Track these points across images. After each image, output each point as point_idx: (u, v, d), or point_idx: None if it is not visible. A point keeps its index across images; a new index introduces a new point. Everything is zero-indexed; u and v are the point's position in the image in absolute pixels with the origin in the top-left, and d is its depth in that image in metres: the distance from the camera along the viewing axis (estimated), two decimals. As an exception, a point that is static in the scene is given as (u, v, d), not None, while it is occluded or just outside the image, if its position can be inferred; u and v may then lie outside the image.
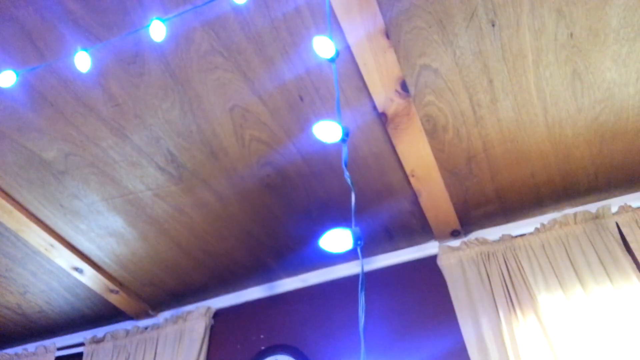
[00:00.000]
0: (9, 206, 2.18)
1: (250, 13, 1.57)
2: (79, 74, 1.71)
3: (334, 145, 2.00)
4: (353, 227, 0.89)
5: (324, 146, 1.99)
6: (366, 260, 2.52)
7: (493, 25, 1.60)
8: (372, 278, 2.47)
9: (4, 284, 2.67)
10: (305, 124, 1.91)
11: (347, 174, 0.99)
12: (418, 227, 2.35)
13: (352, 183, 1.00)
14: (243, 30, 1.62)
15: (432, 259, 2.35)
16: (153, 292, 2.73)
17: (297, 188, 2.15)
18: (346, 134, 1.02)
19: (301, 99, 1.82)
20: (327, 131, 1.06)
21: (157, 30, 1.32)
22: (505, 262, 2.10)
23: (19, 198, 2.19)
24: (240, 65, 1.72)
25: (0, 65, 1.68)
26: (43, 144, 1.96)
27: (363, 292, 0.88)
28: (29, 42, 1.63)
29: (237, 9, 1.56)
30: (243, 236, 2.39)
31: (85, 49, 1.39)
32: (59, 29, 1.59)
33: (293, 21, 1.60)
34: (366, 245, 2.46)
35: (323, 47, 1.09)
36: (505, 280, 2.05)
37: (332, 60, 1.10)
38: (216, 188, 2.16)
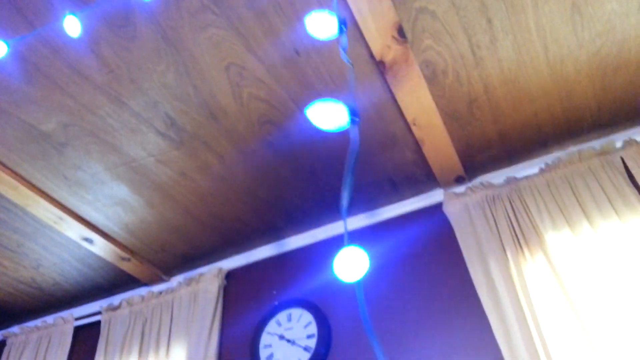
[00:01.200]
0: (13, 181, 2.19)
1: (239, -35, 1.53)
2: (71, 41, 1.67)
3: (331, 96, 1.97)
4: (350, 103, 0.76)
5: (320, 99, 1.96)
6: (371, 213, 2.53)
7: (489, -39, 1.55)
8: (379, 230, 2.50)
9: (17, 259, 2.71)
10: (303, 79, 1.89)
11: (344, 54, 0.92)
12: (422, 176, 2.36)
13: (350, 62, 0.94)
14: (233, -16, 1.58)
15: (438, 207, 2.36)
16: (164, 257, 2.77)
17: (299, 145, 2.14)
18: (343, 23, 0.95)
19: (297, 52, 1.79)
20: (321, 24, 0.99)
21: (145, -11, 1.29)
22: (511, 204, 2.11)
23: (22, 173, 2.19)
24: (232, 21, 1.68)
25: (-11, 38, 1.65)
26: (41, 116, 1.94)
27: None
28: (16, 11, 1.59)
29: (225, -38, 1.51)
30: (249, 196, 2.40)
31: (73, 13, 1.36)
32: (45, -4, 1.55)
33: (283, -29, 1.55)
34: (371, 197, 2.47)
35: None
36: (511, 222, 2.06)
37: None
38: (218, 150, 2.15)
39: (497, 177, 2.30)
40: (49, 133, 2.01)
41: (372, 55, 1.80)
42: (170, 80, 1.85)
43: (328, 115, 0.74)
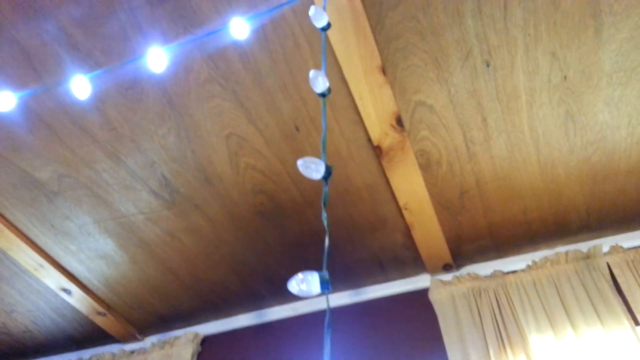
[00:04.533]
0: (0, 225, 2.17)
1: (250, 45, 1.60)
2: (76, 98, 1.71)
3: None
4: (323, 270, 0.86)
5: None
6: (356, 290, 2.50)
7: (488, 66, 1.63)
8: (363, 309, 2.46)
9: (-10, 302, 2.64)
10: (300, 154, 1.92)
11: (324, 214, 0.96)
12: (410, 260, 2.35)
13: (327, 225, 0.97)
14: (242, 61, 1.64)
15: (424, 292, 2.34)
16: (141, 315, 2.70)
17: (290, 217, 2.15)
18: (328, 173, 1.01)
19: (297, 129, 1.84)
20: (311, 167, 1.05)
21: (157, 60, 1.34)
22: (496, 299, 2.09)
23: (10, 217, 2.18)
24: (238, 94, 1.74)
25: (3, 88, 1.69)
26: (37, 164, 1.96)
27: (329, 336, 0.86)
28: (28, 64, 1.64)
29: (237, 41, 1.58)
30: (234, 262, 2.38)
31: (84, 74, 1.40)
32: (58, 53, 1.61)
33: (291, 54, 1.62)
34: (357, 275, 2.45)
35: (317, 80, 1.10)
36: (496, 318, 2.03)
37: (322, 95, 1.11)
38: (209, 214, 2.16)
39: (484, 268, 2.29)
40: (42, 181, 2.02)
41: (369, 140, 1.84)
42: (170, 143, 1.88)
43: (306, 284, 0.84)
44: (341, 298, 2.52)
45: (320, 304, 2.55)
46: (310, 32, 1.57)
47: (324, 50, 1.07)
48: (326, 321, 0.73)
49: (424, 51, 1.59)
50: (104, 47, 1.58)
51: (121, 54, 1.60)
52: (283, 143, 1.89)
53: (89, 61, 1.62)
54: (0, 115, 1.77)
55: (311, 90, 1.72)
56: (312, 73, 1.03)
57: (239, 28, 1.36)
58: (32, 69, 1.65)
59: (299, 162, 0.97)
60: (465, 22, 1.54)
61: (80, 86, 1.40)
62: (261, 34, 1.57)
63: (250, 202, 2.10)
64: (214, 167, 1.97)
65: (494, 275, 2.19)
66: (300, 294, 0.81)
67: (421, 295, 2.34)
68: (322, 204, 0.88)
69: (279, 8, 1.41)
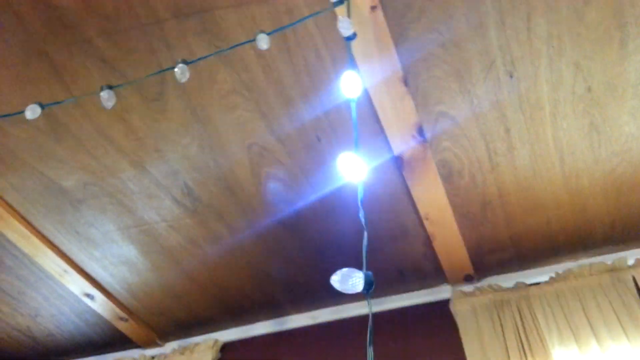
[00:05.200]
0: (25, 231, 2.21)
1: (273, 56, 1.61)
2: (102, 108, 1.74)
3: (349, 185, 2.01)
4: (365, 270, 0.88)
5: (339, 186, 2.00)
6: (376, 300, 2.50)
7: (511, 77, 1.62)
8: (382, 319, 2.45)
9: (16, 306, 2.69)
10: (321, 164, 1.93)
11: (362, 212, 0.98)
12: (430, 270, 2.34)
13: (365, 223, 0.99)
14: (264, 72, 1.66)
15: (444, 303, 2.32)
16: (162, 321, 2.73)
17: (311, 226, 2.16)
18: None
19: (318, 139, 1.85)
20: (348, 166, 1.07)
21: (183, 72, 1.36)
22: (519, 311, 2.06)
23: (36, 224, 2.22)
24: (260, 105, 1.75)
25: (27, 98, 1.73)
26: (63, 173, 1.99)
27: (371, 347, 0.87)
28: (57, 76, 1.68)
29: (260, 52, 1.60)
30: (254, 270, 2.40)
31: (110, 86, 1.43)
32: (86, 66, 1.64)
33: (313, 65, 1.63)
34: (377, 286, 2.44)
35: (349, 84, 1.11)
36: (518, 331, 2.01)
37: (352, 100, 1.12)
38: (230, 222, 2.18)
39: (506, 280, 2.27)
40: (68, 189, 2.06)
41: (391, 150, 1.84)
42: (193, 152, 1.91)
43: (348, 282, 0.87)
44: (361, 307, 2.52)
45: (339, 314, 2.55)
46: (332, 43, 1.58)
47: (350, 59, 1.08)
48: (369, 326, 0.76)
49: (446, 62, 1.59)
50: (130, 60, 1.62)
51: (147, 66, 1.63)
52: (304, 153, 1.90)
53: (115, 73, 1.65)
54: (29, 125, 1.81)
55: (333, 100, 1.73)
56: (344, 75, 1.05)
57: (264, 41, 1.37)
58: (60, 80, 1.69)
59: (339, 159, 0.98)
60: (488, 33, 1.53)
61: (107, 98, 1.43)
62: (284, 46, 1.59)
63: (271, 210, 2.11)
64: (235, 177, 1.99)
65: (517, 287, 2.16)
66: (343, 289, 0.83)
67: (442, 306, 2.33)
68: (360, 203, 0.89)
69: (301, 21, 1.42)
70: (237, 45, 1.39)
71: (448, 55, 1.58)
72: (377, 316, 2.47)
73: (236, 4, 1.47)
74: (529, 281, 2.19)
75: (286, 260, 2.33)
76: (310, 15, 1.41)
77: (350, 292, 0.88)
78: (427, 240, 2.18)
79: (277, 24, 1.50)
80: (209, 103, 1.76)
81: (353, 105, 1.01)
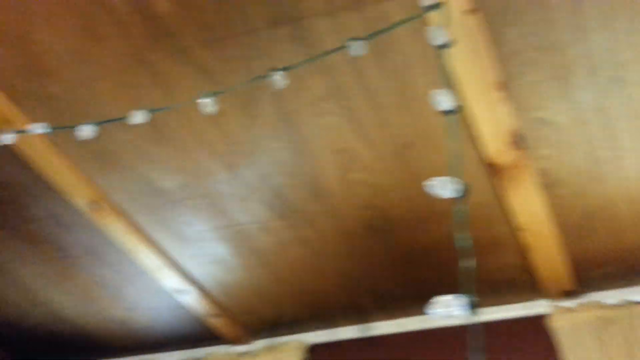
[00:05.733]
0: (127, 229, 2.36)
1: (364, 62, 1.60)
2: (200, 113, 1.82)
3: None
4: (468, 294, 0.85)
5: (430, 195, 1.95)
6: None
7: (618, 81, 1.49)
8: (479, 330, 2.36)
9: (115, 299, 2.87)
10: (411, 170, 1.89)
11: (461, 236, 0.95)
12: (525, 284, 2.22)
13: (466, 246, 0.96)
14: (355, 78, 1.65)
15: (539, 319, 2.20)
16: (250, 319, 2.80)
17: (399, 232, 2.12)
18: (465, 191, 0.99)
19: (408, 145, 1.81)
20: (440, 185, 1.05)
21: (280, 80, 1.39)
22: (626, 331, 1.90)
23: (137, 222, 2.36)
24: (350, 111, 1.75)
25: (129, 103, 1.83)
26: (162, 174, 2.10)
27: None
28: (157, 82, 1.77)
29: (351, 59, 1.59)
30: (341, 275, 2.40)
31: (209, 93, 1.48)
32: (184, 72, 1.72)
33: (407, 70, 1.60)
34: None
35: (442, 99, 1.08)
36: (626, 352, 1.85)
37: (448, 113, 1.08)
38: (318, 226, 2.19)
39: (611, 296, 2.10)
40: (166, 190, 2.17)
41: (484, 157, 1.76)
42: (284, 157, 1.94)
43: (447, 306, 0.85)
44: (449, 318, 2.44)
45: (427, 323, 2.49)
46: (424, 48, 1.53)
47: (444, 69, 1.04)
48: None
49: (545, 66, 1.50)
50: (226, 67, 1.67)
51: (241, 74, 1.67)
52: (394, 159, 1.87)
53: (211, 80, 1.71)
54: (132, 129, 1.91)
55: (424, 107, 1.69)
56: (435, 92, 1.01)
57: (358, 48, 1.36)
58: (160, 87, 1.78)
59: (429, 182, 0.95)
60: (591, 36, 1.42)
61: (206, 104, 1.48)
62: (376, 52, 1.57)
63: (359, 216, 2.10)
64: (324, 181, 2.00)
65: (623, 304, 1.99)
66: (444, 315, 0.81)
67: (537, 321, 2.20)
68: (457, 223, 0.86)
69: (395, 28, 1.40)
70: (331, 52, 1.39)
71: (548, 59, 1.49)
72: (467, 329, 2.38)
73: (329, 12, 1.47)
74: (637, 298, 2.02)
75: (374, 266, 2.30)
76: (403, 22, 1.38)
77: (452, 316, 0.85)
78: (521, 252, 2.07)
79: (369, 30, 1.48)
80: (299, 109, 1.78)
81: (449, 118, 0.97)
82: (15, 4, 1.62)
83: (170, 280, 2.60)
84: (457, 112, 1.06)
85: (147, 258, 2.48)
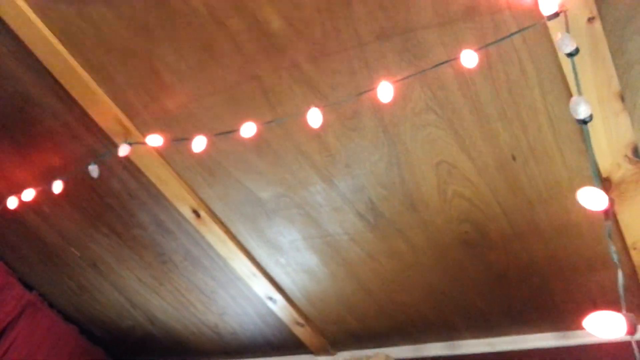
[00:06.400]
0: (224, 236, 2.45)
1: (472, 73, 1.58)
2: (302, 126, 1.87)
3: (541, 206, 1.89)
4: (625, 312, 0.83)
5: (531, 208, 1.89)
6: (565, 333, 2.30)
7: None
8: (569, 353, 2.25)
9: (208, 304, 2.99)
10: (514, 184, 1.84)
11: (612, 248, 0.92)
12: (633, 306, 2.08)
13: (618, 260, 0.93)
14: (461, 89, 1.63)
15: (647, 344, 2.05)
16: (335, 330, 2.82)
17: (496, 248, 2.07)
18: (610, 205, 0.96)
19: (513, 158, 1.76)
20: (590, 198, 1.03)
21: (385, 92, 1.40)
22: None
23: (233, 230, 2.45)
24: (453, 123, 1.73)
25: (237, 117, 1.92)
26: (261, 184, 2.17)
27: None
28: (265, 97, 1.84)
29: (458, 69, 1.58)
30: (431, 290, 2.36)
31: (314, 107, 1.53)
32: (291, 87, 1.77)
33: (516, 82, 1.56)
34: (566, 317, 2.25)
35: (579, 107, 1.05)
36: None
37: (584, 122, 1.06)
38: (411, 239, 2.17)
39: None
40: (264, 200, 2.23)
41: (597, 171, 1.68)
42: (381, 169, 1.95)
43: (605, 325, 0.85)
44: (545, 339, 2.34)
45: (519, 344, 2.40)
46: (538, 58, 1.50)
47: (575, 77, 1.01)
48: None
49: (672, 76, 1.42)
50: (332, 82, 1.71)
51: (346, 87, 1.70)
52: (496, 172, 1.83)
53: (317, 94, 1.75)
54: (236, 140, 1.99)
55: (533, 118, 1.64)
56: (574, 100, 1.00)
57: (469, 59, 1.36)
58: (267, 101, 1.84)
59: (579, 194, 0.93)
60: None
61: (314, 117, 1.52)
62: (484, 62, 1.55)
63: (455, 230, 2.06)
64: (420, 194, 1.99)
65: None
66: (599, 334, 0.80)
67: (645, 347, 2.06)
68: (608, 237, 0.84)
69: (511, 37, 1.38)
70: (441, 64, 1.40)
71: (674, 68, 1.41)
72: (564, 350, 2.28)
73: (441, 23, 1.47)
74: None
75: (466, 282, 2.25)
76: (521, 31, 1.36)
77: (610, 336, 0.84)
78: (632, 272, 1.95)
79: (481, 40, 1.47)
80: (400, 121, 1.78)
81: (585, 129, 0.95)
82: (142, 23, 1.75)
83: (260, 288, 2.67)
84: (590, 121, 1.03)
85: (241, 265, 2.56)
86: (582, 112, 0.96)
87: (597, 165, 1.09)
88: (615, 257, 0.85)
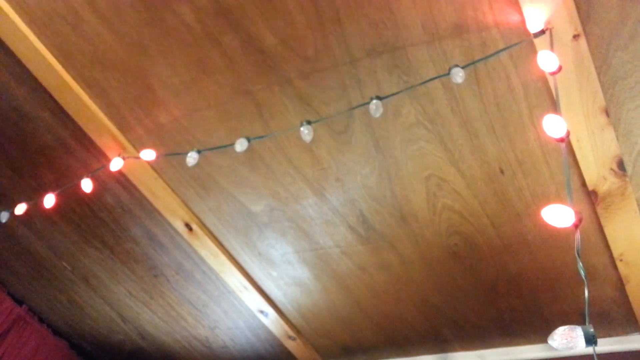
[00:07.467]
0: (216, 249, 2.46)
1: (460, 88, 1.62)
2: (294, 141, 1.90)
3: (529, 218, 1.92)
4: (587, 324, 0.85)
5: (519, 221, 1.92)
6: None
7: None
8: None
9: (199, 317, 2.98)
10: (500, 198, 1.87)
11: (580, 264, 0.95)
12: (620, 317, 2.12)
13: (585, 276, 0.96)
14: (450, 104, 1.67)
15: (636, 355, 2.09)
16: (326, 344, 2.82)
17: (486, 260, 2.09)
18: (579, 219, 0.99)
19: (501, 171, 1.80)
20: (556, 215, 1.05)
21: (377, 108, 1.43)
22: None
23: (225, 243, 2.46)
24: (442, 137, 1.76)
25: (231, 132, 1.94)
26: (253, 198, 2.19)
27: None
28: (258, 112, 1.87)
29: (447, 85, 1.62)
30: (421, 302, 2.38)
31: (309, 122, 1.55)
32: (284, 102, 1.80)
33: (503, 97, 1.60)
34: (554, 328, 2.28)
35: (554, 125, 1.08)
36: None
37: (562, 141, 1.08)
38: (401, 251, 2.20)
39: None
40: (256, 213, 2.25)
41: (583, 184, 1.72)
42: (372, 182, 1.98)
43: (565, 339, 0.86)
44: (534, 351, 2.36)
45: (509, 355, 2.42)
46: (525, 74, 1.54)
47: (556, 95, 1.05)
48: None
49: (655, 92, 1.47)
50: (323, 97, 1.74)
51: (338, 103, 1.74)
52: (484, 185, 1.86)
53: (309, 109, 1.78)
54: (230, 155, 2.02)
55: (521, 133, 1.68)
56: (548, 118, 1.02)
57: (458, 75, 1.39)
58: (260, 117, 1.87)
59: (544, 212, 0.96)
60: None
61: (307, 132, 1.55)
62: (473, 77, 1.59)
63: (444, 242, 2.09)
64: (410, 207, 2.02)
65: None
66: (561, 347, 0.81)
67: (633, 358, 2.09)
68: (577, 254, 0.87)
69: (498, 54, 1.42)
70: (430, 80, 1.43)
71: (657, 84, 1.46)
72: (554, 361, 2.30)
73: (430, 40, 1.51)
74: None
75: (456, 294, 2.27)
76: (507, 48, 1.40)
77: (570, 349, 0.85)
78: (619, 284, 1.99)
79: (469, 57, 1.51)
80: (391, 135, 1.81)
81: (562, 147, 0.98)
82: (136, 39, 1.77)
83: (252, 301, 2.67)
84: (567, 138, 1.06)
85: (233, 278, 2.56)
86: (558, 131, 0.99)
87: (569, 182, 1.12)
88: (583, 272, 0.87)
